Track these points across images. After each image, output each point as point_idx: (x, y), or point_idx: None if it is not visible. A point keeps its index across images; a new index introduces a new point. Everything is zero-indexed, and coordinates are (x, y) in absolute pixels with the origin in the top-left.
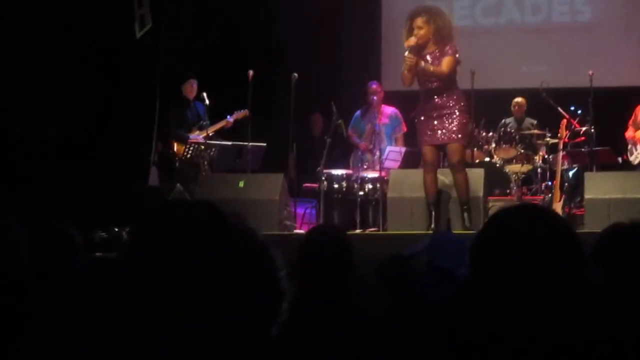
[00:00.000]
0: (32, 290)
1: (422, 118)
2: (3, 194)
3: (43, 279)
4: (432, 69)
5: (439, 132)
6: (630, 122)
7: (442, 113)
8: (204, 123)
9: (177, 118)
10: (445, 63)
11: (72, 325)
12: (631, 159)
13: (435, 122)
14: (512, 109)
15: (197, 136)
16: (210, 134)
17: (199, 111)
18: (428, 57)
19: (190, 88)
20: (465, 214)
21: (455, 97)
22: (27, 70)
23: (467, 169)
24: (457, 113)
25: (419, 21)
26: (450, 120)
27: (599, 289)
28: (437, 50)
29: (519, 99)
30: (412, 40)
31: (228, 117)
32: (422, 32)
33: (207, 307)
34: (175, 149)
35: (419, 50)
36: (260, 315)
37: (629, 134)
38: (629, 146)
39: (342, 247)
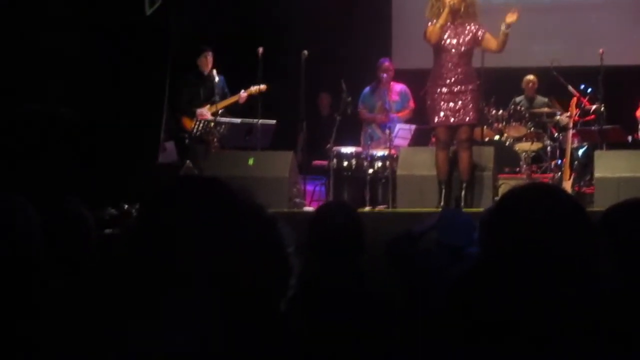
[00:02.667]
0: (45, 270)
1: (436, 94)
2: (14, 173)
3: (55, 258)
4: (503, 34)
5: (451, 113)
6: None
7: (456, 90)
8: (215, 99)
9: (188, 93)
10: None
11: (86, 304)
12: None
13: (448, 102)
14: (525, 86)
15: (204, 111)
16: (221, 110)
17: (214, 87)
18: (453, 29)
19: (206, 61)
20: (464, 192)
21: (470, 76)
22: (36, 48)
23: (477, 147)
24: (470, 92)
25: None
26: (463, 100)
27: (607, 267)
28: (463, 25)
29: (530, 77)
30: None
31: (242, 91)
32: None
33: (216, 282)
34: (184, 124)
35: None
36: (268, 291)
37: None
38: (639, 125)
39: (353, 224)
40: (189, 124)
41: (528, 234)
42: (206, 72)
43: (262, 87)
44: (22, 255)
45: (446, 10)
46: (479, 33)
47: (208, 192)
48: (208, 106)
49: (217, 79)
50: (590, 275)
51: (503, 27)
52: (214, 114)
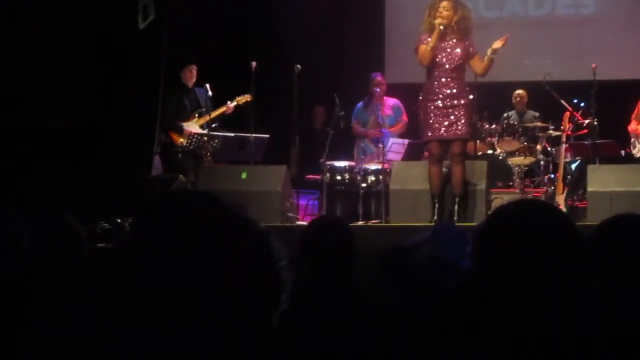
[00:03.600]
0: (34, 282)
1: (429, 108)
2: (6, 185)
3: (45, 271)
4: (488, 59)
5: (444, 127)
6: (633, 115)
7: (449, 104)
8: (202, 110)
9: (173, 107)
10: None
11: (76, 317)
12: (634, 151)
13: (441, 117)
14: (514, 100)
15: (191, 126)
16: (210, 120)
17: (198, 98)
18: (445, 44)
19: (190, 74)
20: (457, 207)
21: (463, 90)
22: (30, 60)
23: (470, 161)
24: (463, 106)
25: (446, 3)
26: (456, 114)
27: (598, 284)
28: (455, 39)
29: (520, 91)
30: (440, 21)
31: (228, 102)
32: (447, 13)
33: (207, 297)
34: (172, 138)
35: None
36: (260, 305)
37: (632, 127)
38: (632, 139)
39: (344, 238)
40: (176, 137)
41: (519, 248)
42: (190, 86)
43: (248, 97)
44: (11, 266)
45: (436, 32)
46: (471, 49)
47: (200, 206)
48: (195, 118)
49: (199, 91)
50: (581, 290)
51: (489, 52)
52: (202, 126)
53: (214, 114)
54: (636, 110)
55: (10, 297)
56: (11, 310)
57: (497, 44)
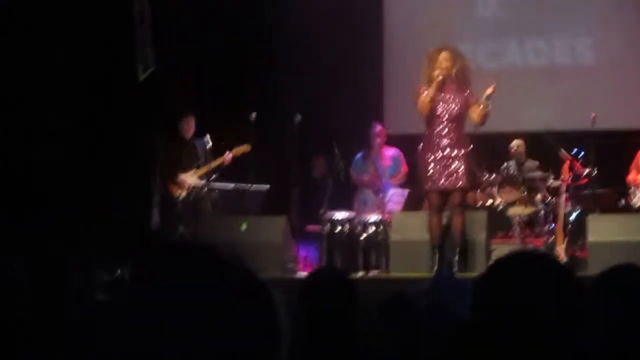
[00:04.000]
0: (30, 331)
1: (428, 159)
2: (11, 232)
3: (40, 319)
4: (488, 109)
5: (444, 178)
6: (633, 165)
7: (449, 155)
8: (201, 162)
9: (171, 158)
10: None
11: None
12: (634, 201)
13: (441, 167)
14: (512, 151)
15: (189, 177)
16: (209, 171)
17: (197, 149)
18: (444, 95)
19: (188, 126)
20: (457, 257)
21: (462, 140)
22: (29, 114)
23: (469, 212)
24: (462, 157)
25: (445, 54)
26: (455, 165)
27: (598, 334)
28: (454, 90)
29: (517, 141)
30: (439, 72)
31: (226, 153)
32: (447, 64)
33: (207, 350)
34: (170, 189)
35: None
36: (260, 358)
37: (631, 177)
38: (631, 189)
39: (345, 290)
40: (174, 189)
41: (520, 299)
42: (188, 137)
43: (246, 147)
44: (6, 314)
45: (435, 83)
46: (470, 99)
47: (200, 258)
48: (193, 170)
49: (198, 142)
50: (581, 341)
51: (482, 100)
52: (201, 177)
53: (213, 165)
54: (635, 161)
55: (4, 345)
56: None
57: (488, 91)
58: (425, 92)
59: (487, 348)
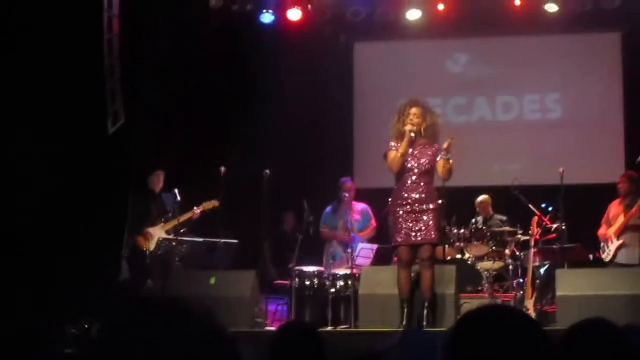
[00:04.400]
0: None
1: (398, 213)
2: None
3: None
4: (451, 163)
5: (414, 232)
6: (604, 220)
7: (418, 209)
8: (169, 216)
9: (140, 212)
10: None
11: None
12: (603, 256)
13: (410, 222)
14: (479, 206)
15: (157, 231)
16: (177, 226)
17: (165, 203)
18: (414, 150)
19: (157, 180)
20: (426, 312)
21: (432, 194)
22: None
23: (439, 266)
24: (432, 211)
25: (416, 110)
26: (424, 219)
27: None
28: (424, 145)
29: (482, 197)
30: (411, 127)
31: (195, 208)
32: (417, 120)
33: None
34: (138, 243)
35: (400, 142)
36: None
37: (602, 231)
38: (602, 244)
39: (314, 344)
40: (142, 242)
41: (489, 354)
42: (157, 191)
43: (215, 203)
44: None
45: (406, 139)
46: (438, 155)
47: (169, 312)
48: (162, 224)
49: (166, 196)
50: None
51: (442, 155)
52: (169, 232)
53: (181, 219)
54: (606, 215)
55: None
56: None
57: (445, 145)
58: (396, 148)
59: None
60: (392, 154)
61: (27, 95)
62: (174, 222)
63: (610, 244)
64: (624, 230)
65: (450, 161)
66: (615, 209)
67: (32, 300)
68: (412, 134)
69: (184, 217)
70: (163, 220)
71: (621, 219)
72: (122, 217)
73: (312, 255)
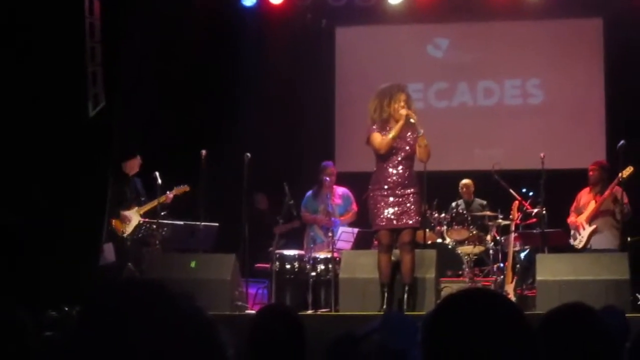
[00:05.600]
0: None
1: (378, 197)
2: None
3: None
4: (426, 142)
5: (394, 216)
6: (573, 207)
7: (399, 193)
8: (142, 199)
9: (115, 195)
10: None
11: None
12: (574, 243)
13: (391, 206)
14: (460, 190)
15: (132, 214)
16: (151, 210)
17: (138, 187)
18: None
19: (133, 165)
20: (406, 296)
21: (412, 178)
22: None
23: (419, 250)
24: (413, 195)
25: (404, 97)
26: (405, 203)
27: None
28: (406, 129)
29: (465, 181)
30: (411, 113)
31: (167, 192)
32: (406, 105)
33: None
34: (115, 226)
35: (386, 125)
36: None
37: (571, 219)
38: (572, 231)
39: (294, 327)
40: (119, 225)
41: (468, 338)
42: (130, 175)
43: (186, 187)
44: None
45: (400, 124)
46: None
47: (148, 295)
48: (136, 208)
49: (137, 180)
50: None
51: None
52: (142, 215)
53: (154, 203)
54: (575, 203)
55: None
56: None
57: (402, 111)
58: (382, 131)
59: None
60: (378, 137)
61: (6, 79)
62: (148, 206)
63: (581, 230)
64: (595, 216)
65: (425, 141)
66: (585, 196)
67: (10, 286)
68: (412, 120)
69: (159, 201)
70: (136, 203)
71: (592, 205)
72: (101, 201)
73: (293, 238)
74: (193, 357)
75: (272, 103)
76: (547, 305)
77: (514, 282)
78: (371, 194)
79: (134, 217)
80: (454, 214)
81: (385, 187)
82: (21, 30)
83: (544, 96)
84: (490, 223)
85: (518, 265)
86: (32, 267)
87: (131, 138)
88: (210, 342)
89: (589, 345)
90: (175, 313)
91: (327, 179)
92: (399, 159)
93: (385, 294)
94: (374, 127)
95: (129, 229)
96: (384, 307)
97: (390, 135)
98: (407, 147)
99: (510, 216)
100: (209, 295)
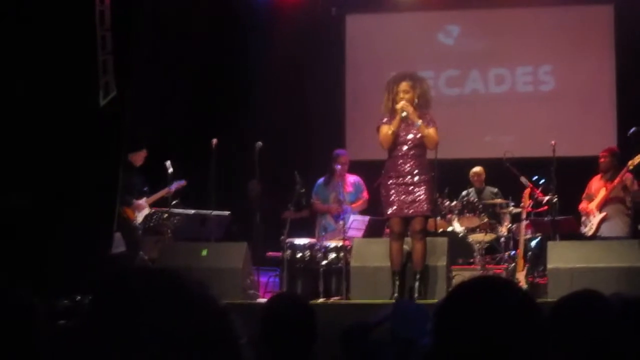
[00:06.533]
0: None
1: (390, 185)
2: None
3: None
4: (427, 131)
5: (406, 204)
6: (584, 195)
7: (410, 182)
8: (146, 190)
9: (125, 184)
10: (434, 132)
11: None
12: (585, 230)
13: (402, 194)
14: (471, 178)
15: (142, 202)
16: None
17: (143, 178)
18: (406, 121)
19: (140, 158)
20: (417, 284)
21: (423, 166)
22: None
23: (430, 238)
24: (424, 183)
25: (405, 85)
26: (416, 191)
27: None
28: (417, 116)
29: (476, 169)
30: (406, 105)
31: (168, 187)
32: (407, 96)
33: None
34: (127, 214)
35: (395, 116)
36: None
37: (583, 206)
38: (583, 218)
39: (305, 316)
40: (130, 213)
41: (480, 326)
42: (136, 166)
43: (183, 183)
44: None
45: (397, 119)
46: (430, 123)
47: (160, 284)
48: (145, 198)
49: (140, 173)
50: None
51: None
52: (151, 205)
53: (158, 195)
54: (586, 190)
55: None
56: None
57: (397, 106)
58: (388, 123)
59: None
60: (384, 130)
61: (17, 68)
62: (153, 198)
63: (592, 217)
64: (605, 203)
65: (428, 129)
66: (596, 183)
67: (24, 275)
68: (404, 113)
69: (160, 194)
70: (143, 195)
71: (603, 192)
72: (113, 189)
73: (304, 227)
74: (206, 345)
75: (283, 91)
76: (559, 292)
77: (525, 270)
78: (383, 182)
79: (145, 206)
80: (465, 202)
81: (397, 175)
82: (32, 19)
83: (555, 83)
84: (501, 211)
85: (529, 253)
86: (44, 256)
87: (141, 127)
88: (223, 330)
89: (600, 332)
90: (188, 301)
91: (339, 167)
92: (408, 148)
93: (397, 282)
94: (384, 119)
95: (140, 217)
96: (395, 295)
97: (390, 130)
98: (415, 136)
99: (522, 204)
100: (221, 284)
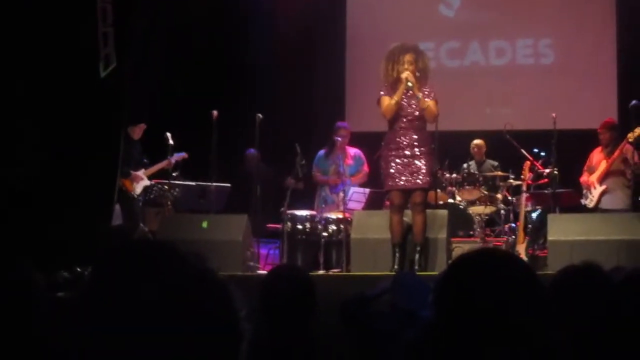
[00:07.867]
0: None
1: (390, 158)
2: None
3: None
4: (427, 104)
5: (405, 177)
6: (585, 167)
7: (410, 154)
8: (145, 162)
9: (124, 155)
10: (434, 104)
11: None
12: (586, 202)
13: (403, 166)
14: (472, 151)
15: (140, 174)
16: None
17: (140, 150)
18: (407, 94)
19: (139, 130)
20: (418, 256)
21: (424, 138)
22: None
23: (430, 211)
24: (424, 155)
25: (409, 57)
26: (417, 164)
27: (557, 332)
28: (416, 89)
29: (477, 141)
30: (410, 76)
31: (169, 157)
32: (412, 67)
33: (165, 348)
34: (125, 185)
35: (395, 87)
36: (219, 356)
37: (584, 178)
38: (584, 191)
39: (305, 288)
40: (129, 185)
41: (480, 297)
42: (134, 139)
43: (184, 155)
44: None
45: (401, 88)
46: (431, 96)
47: (160, 255)
48: (143, 170)
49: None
50: (541, 340)
51: (419, 96)
52: (149, 178)
53: (157, 167)
54: (588, 162)
55: None
56: None
57: (402, 75)
58: (389, 94)
59: (449, 349)
60: (386, 101)
61: (17, 41)
62: (152, 170)
63: (592, 189)
64: (606, 176)
65: (427, 101)
66: (596, 156)
67: (23, 247)
68: (410, 84)
69: (159, 166)
70: (142, 165)
71: (603, 165)
72: (114, 161)
73: (304, 198)
74: (205, 317)
75: (284, 63)
76: (559, 265)
77: (525, 242)
78: (383, 155)
79: (144, 177)
80: (465, 174)
81: (397, 148)
82: None
83: (555, 56)
84: (501, 183)
85: (530, 226)
86: (44, 228)
87: (142, 99)
88: (222, 302)
89: (599, 304)
90: (186, 274)
91: (340, 139)
92: (409, 119)
93: (397, 254)
94: (383, 90)
95: (138, 189)
96: (395, 267)
97: (393, 100)
98: (417, 107)
99: (522, 176)
100: (221, 256)
